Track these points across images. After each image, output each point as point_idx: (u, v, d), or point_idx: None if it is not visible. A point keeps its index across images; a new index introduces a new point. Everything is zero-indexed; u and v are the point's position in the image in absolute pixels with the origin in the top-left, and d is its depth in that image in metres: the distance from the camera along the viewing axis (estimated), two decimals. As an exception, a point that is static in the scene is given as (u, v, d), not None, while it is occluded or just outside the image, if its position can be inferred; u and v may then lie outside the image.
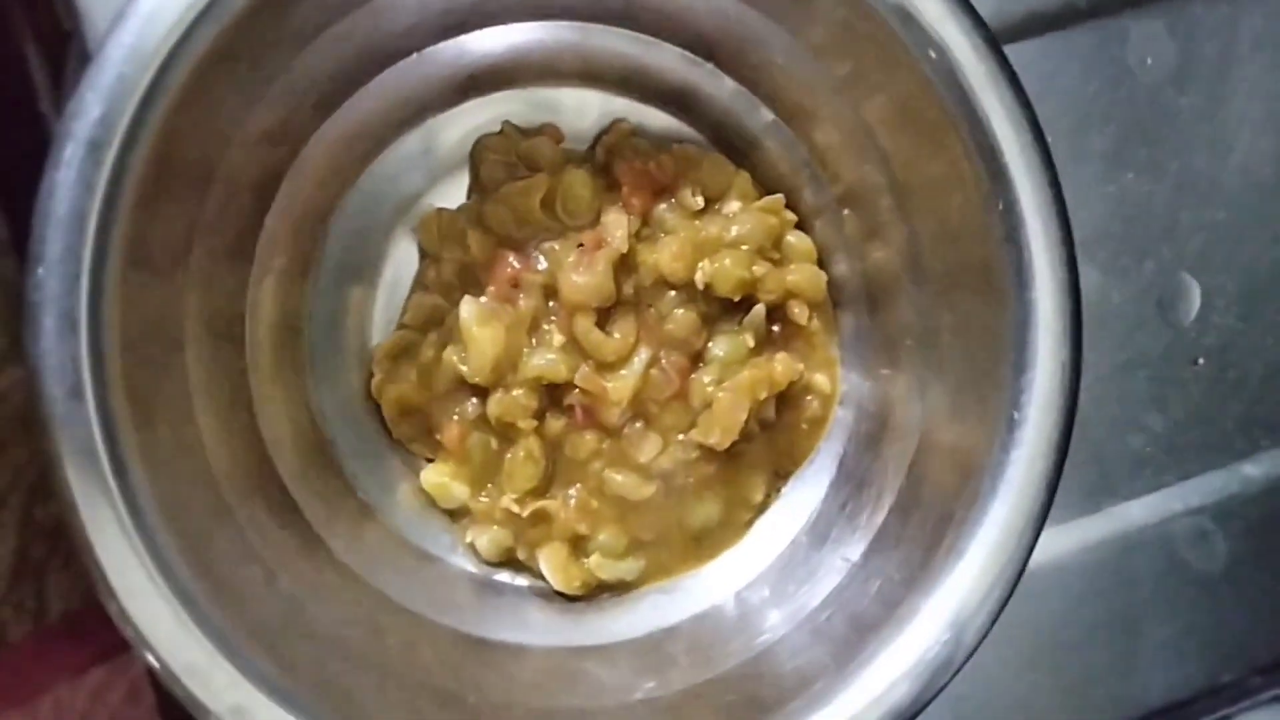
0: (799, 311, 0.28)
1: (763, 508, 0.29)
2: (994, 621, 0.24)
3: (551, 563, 0.27)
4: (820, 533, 0.28)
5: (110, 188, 0.21)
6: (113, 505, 0.22)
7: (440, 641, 0.26)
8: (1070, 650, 0.33)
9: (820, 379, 0.29)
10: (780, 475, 0.29)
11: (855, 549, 0.27)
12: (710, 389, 0.28)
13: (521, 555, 0.28)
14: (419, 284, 0.28)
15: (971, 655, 0.24)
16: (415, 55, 0.27)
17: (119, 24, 0.21)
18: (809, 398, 0.29)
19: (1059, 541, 0.32)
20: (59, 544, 0.50)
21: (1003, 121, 0.24)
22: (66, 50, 0.31)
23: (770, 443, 0.29)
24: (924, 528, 0.25)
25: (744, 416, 0.27)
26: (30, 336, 0.21)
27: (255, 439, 0.26)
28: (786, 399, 0.29)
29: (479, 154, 0.28)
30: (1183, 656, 0.33)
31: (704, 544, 0.29)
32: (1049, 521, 0.33)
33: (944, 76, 0.24)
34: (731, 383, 0.27)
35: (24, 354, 0.21)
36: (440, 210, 0.28)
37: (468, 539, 0.28)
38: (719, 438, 0.27)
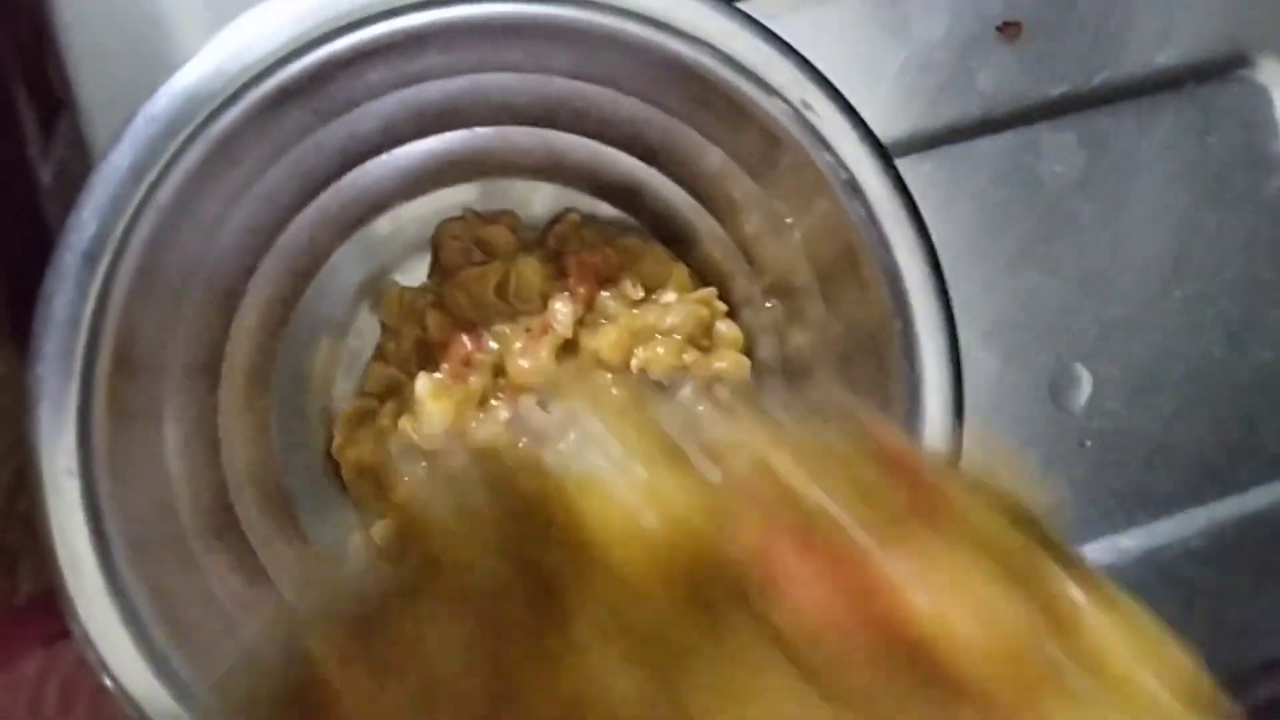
0: (722, 394, 0.32)
1: None
2: None
3: None
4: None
5: (101, 293, 0.24)
6: (92, 554, 0.25)
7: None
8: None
9: None
10: None
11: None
12: None
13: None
14: (379, 355, 0.31)
15: None
16: (386, 154, 0.29)
17: (114, 145, 0.24)
18: None
19: (951, 600, 0.36)
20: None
21: (905, 253, 0.27)
22: (58, 116, 0.33)
23: None
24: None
25: None
26: (29, 422, 0.23)
27: (220, 481, 0.29)
28: None
29: (440, 238, 0.31)
30: None
31: None
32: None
33: (856, 207, 0.27)
34: None
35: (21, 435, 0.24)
36: (402, 289, 0.31)
37: None
38: None
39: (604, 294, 0.31)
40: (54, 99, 0.32)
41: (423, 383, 0.30)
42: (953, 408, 0.27)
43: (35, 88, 0.35)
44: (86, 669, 0.25)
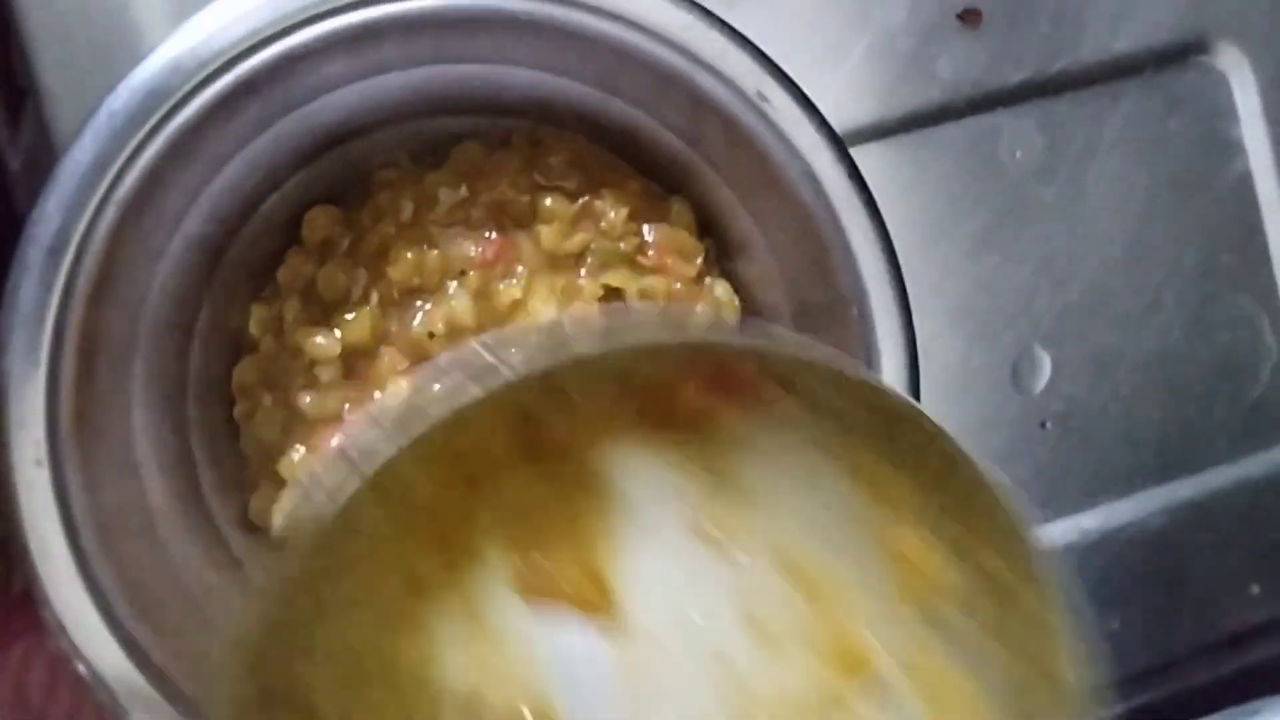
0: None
1: None
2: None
3: None
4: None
5: (65, 286, 0.24)
6: (63, 543, 0.25)
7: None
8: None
9: None
10: None
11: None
12: None
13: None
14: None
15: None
16: (345, 146, 0.30)
17: (77, 140, 0.24)
18: None
19: (915, 580, 0.37)
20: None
21: (861, 240, 0.28)
22: (25, 103, 0.33)
23: None
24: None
25: None
26: (-5, 413, 0.24)
27: (191, 477, 0.30)
28: None
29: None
30: (1018, 682, 0.37)
31: None
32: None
33: (812, 197, 0.28)
34: None
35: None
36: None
37: None
38: None
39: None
40: (19, 86, 0.32)
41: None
42: (909, 390, 0.28)
43: (1, 75, 0.35)
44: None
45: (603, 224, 0.30)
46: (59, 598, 0.25)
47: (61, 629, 0.25)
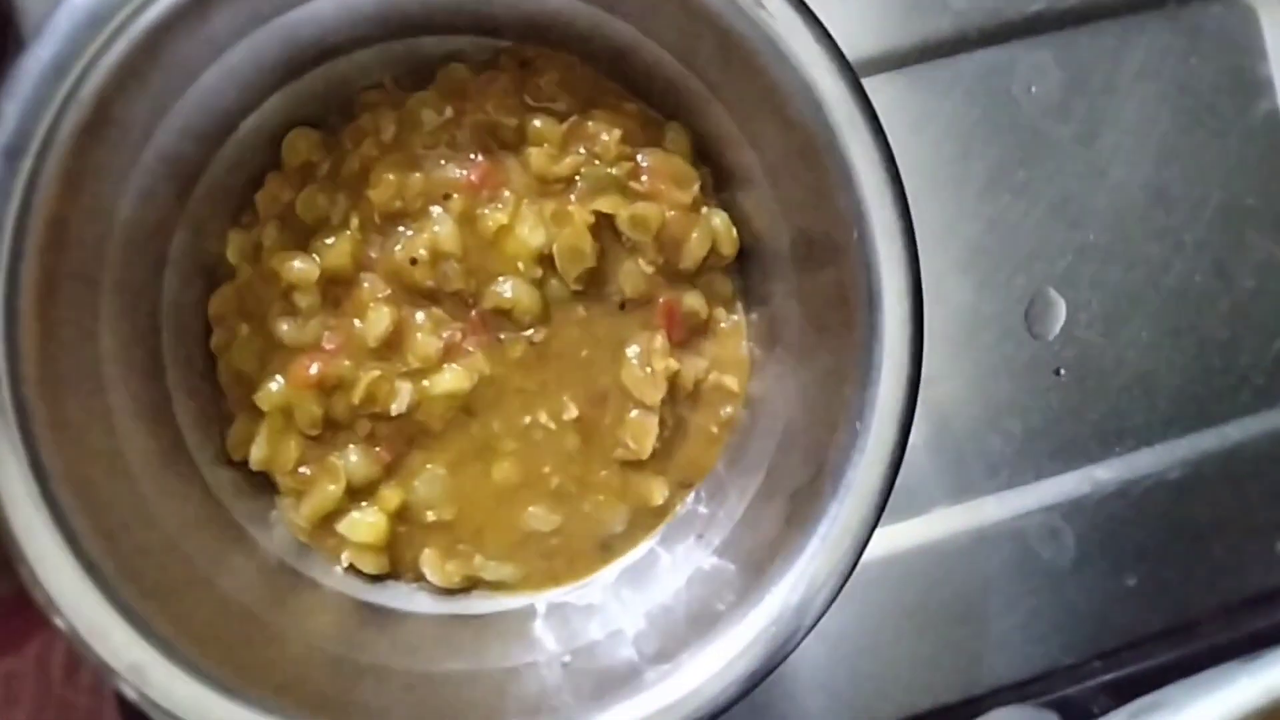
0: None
1: (664, 516, 0.31)
2: (829, 605, 0.26)
3: (431, 566, 0.29)
4: (684, 526, 0.30)
5: (25, 193, 0.23)
6: (22, 473, 0.24)
7: (333, 608, 0.29)
8: (928, 629, 0.36)
9: (730, 380, 0.31)
10: (684, 485, 0.31)
11: (715, 538, 0.29)
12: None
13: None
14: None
15: (810, 631, 0.26)
16: (331, 63, 0.28)
17: (37, 39, 0.23)
18: (721, 401, 0.31)
19: (921, 530, 0.35)
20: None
21: (862, 160, 0.26)
22: (6, 33, 0.32)
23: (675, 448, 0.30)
24: (776, 521, 0.28)
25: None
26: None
27: (167, 411, 0.29)
28: (694, 401, 0.31)
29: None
30: (1030, 639, 0.36)
31: (610, 551, 0.30)
32: (913, 511, 0.36)
33: (812, 112, 0.26)
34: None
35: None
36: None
37: (344, 562, 0.29)
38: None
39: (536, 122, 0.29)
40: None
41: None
42: (911, 319, 0.26)
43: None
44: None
45: (596, 147, 0.29)
46: (30, 546, 0.24)
47: (35, 581, 0.24)
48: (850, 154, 0.26)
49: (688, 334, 0.30)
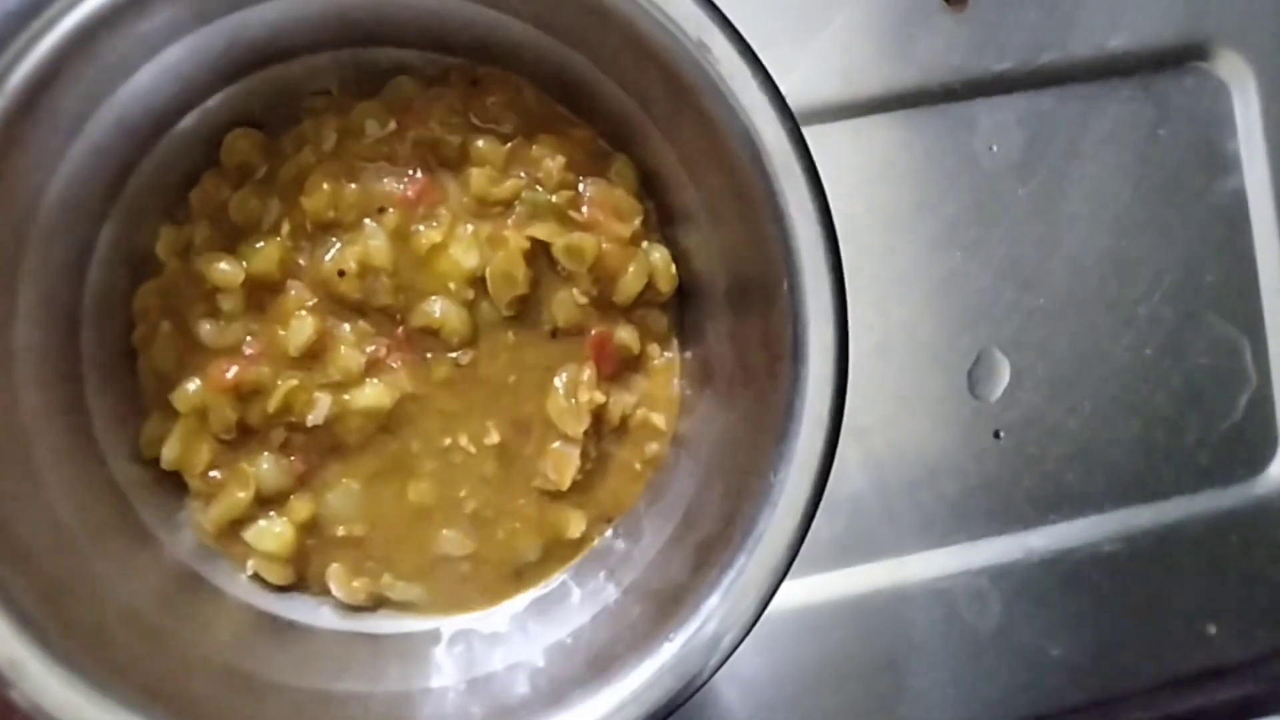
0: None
1: (579, 549, 0.30)
2: (729, 657, 0.26)
3: (338, 580, 0.29)
4: (597, 561, 0.30)
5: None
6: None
7: (233, 618, 0.28)
8: (847, 681, 0.35)
9: (657, 417, 0.30)
10: (604, 519, 0.30)
11: (626, 576, 0.29)
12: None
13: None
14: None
15: (707, 682, 0.26)
16: (274, 67, 0.28)
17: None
18: (647, 438, 0.30)
19: (847, 582, 0.35)
20: None
21: (797, 209, 0.26)
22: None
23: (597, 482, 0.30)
24: (685, 566, 0.27)
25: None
26: None
27: (79, 405, 0.28)
28: (620, 436, 0.31)
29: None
30: (945, 701, 0.35)
31: (522, 580, 0.30)
32: (840, 563, 0.35)
33: (751, 158, 0.26)
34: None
35: None
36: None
37: (250, 570, 0.29)
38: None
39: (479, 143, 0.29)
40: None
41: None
42: (835, 374, 0.26)
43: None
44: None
45: (538, 172, 0.29)
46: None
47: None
48: (786, 204, 0.26)
49: (618, 367, 0.30)
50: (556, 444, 0.30)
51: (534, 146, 0.29)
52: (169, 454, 0.28)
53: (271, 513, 0.29)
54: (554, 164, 0.29)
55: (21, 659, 0.24)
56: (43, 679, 0.24)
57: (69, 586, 0.26)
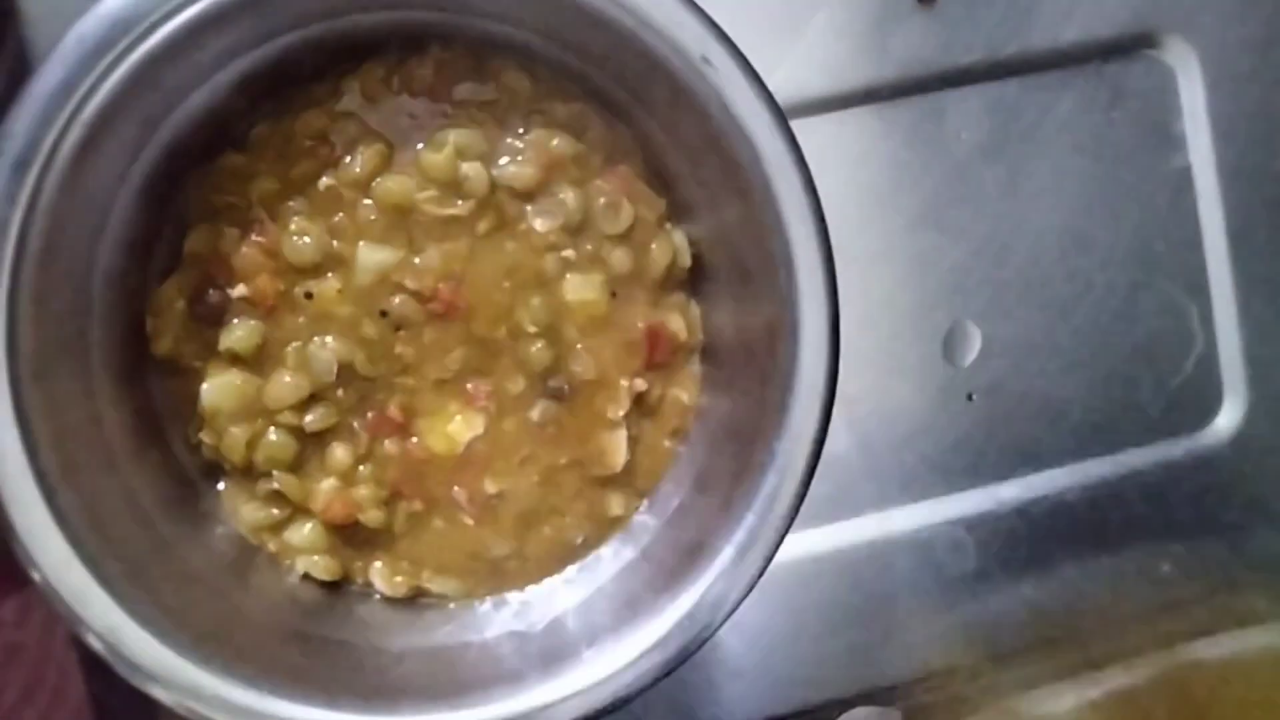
0: None
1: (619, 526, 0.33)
2: (740, 604, 0.29)
3: (381, 577, 0.32)
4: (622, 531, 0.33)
5: (29, 201, 0.25)
6: (16, 451, 0.26)
7: (292, 587, 0.31)
8: (838, 626, 0.39)
9: (683, 394, 0.33)
10: (640, 494, 0.33)
11: (644, 538, 0.32)
12: None
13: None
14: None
15: (720, 626, 0.29)
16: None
17: (46, 63, 0.25)
18: (675, 414, 0.33)
19: (838, 536, 0.38)
20: None
21: (792, 209, 0.29)
22: (7, 25, 0.34)
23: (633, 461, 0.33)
24: (697, 527, 0.31)
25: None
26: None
27: (145, 396, 0.31)
28: (653, 415, 0.33)
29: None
30: (930, 640, 0.39)
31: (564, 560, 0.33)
32: (832, 518, 0.39)
33: (751, 163, 0.29)
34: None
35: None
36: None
37: (300, 569, 0.32)
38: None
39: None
40: (1, 8, 0.33)
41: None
42: (828, 351, 0.29)
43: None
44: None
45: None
46: (17, 511, 0.26)
47: (30, 559, 0.27)
48: (780, 201, 0.29)
49: (668, 355, 0.33)
50: (605, 432, 0.33)
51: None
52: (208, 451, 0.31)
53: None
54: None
55: (118, 625, 0.27)
56: (138, 643, 0.27)
57: (148, 561, 0.29)
